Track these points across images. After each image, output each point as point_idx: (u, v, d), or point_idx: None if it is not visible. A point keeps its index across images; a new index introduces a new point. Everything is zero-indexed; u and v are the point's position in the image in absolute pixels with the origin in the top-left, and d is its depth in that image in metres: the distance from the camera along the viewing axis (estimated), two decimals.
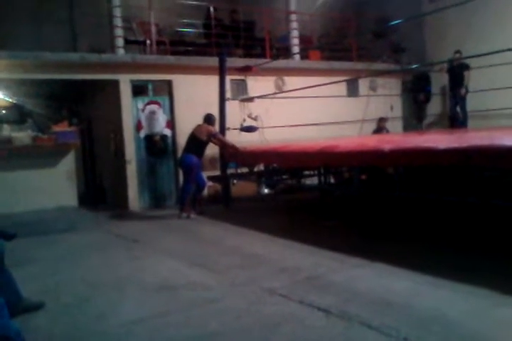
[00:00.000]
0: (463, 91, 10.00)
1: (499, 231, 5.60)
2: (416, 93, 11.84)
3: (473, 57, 7.49)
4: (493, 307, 3.45)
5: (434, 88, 11.68)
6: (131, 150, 8.87)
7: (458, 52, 9.70)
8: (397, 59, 11.76)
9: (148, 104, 9.05)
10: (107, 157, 9.52)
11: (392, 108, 11.38)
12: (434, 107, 11.91)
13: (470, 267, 4.37)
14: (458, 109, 10.27)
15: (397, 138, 8.06)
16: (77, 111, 10.38)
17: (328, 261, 4.88)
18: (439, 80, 11.19)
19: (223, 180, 8.51)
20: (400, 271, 4.37)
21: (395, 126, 11.39)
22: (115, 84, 8.75)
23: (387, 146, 5.20)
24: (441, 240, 5.46)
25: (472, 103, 10.06)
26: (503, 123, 9.41)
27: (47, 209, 8.15)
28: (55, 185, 8.41)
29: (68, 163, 8.70)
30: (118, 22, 8.82)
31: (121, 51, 8.81)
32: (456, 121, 10.35)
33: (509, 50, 4.93)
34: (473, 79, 9.89)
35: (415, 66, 10.88)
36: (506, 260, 4.54)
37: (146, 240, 6.37)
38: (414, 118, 12.08)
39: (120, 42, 8.84)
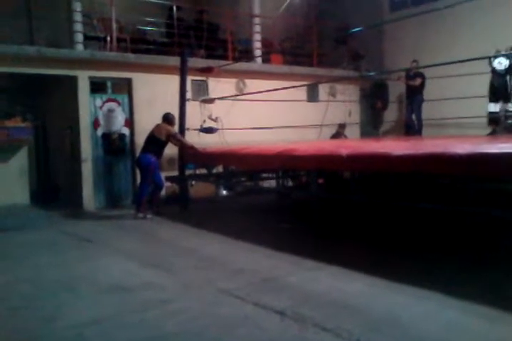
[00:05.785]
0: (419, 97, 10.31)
1: (453, 236, 5.79)
2: (373, 100, 12.09)
3: (429, 66, 7.75)
4: (443, 311, 3.55)
5: (391, 96, 11.96)
6: (87, 148, 8.67)
7: (415, 61, 9.99)
8: (357, 66, 11.99)
9: (106, 101, 8.88)
10: (62, 154, 9.27)
11: (350, 114, 11.57)
12: (391, 114, 12.18)
13: (423, 270, 4.49)
14: (413, 117, 10.55)
15: (355, 144, 8.20)
16: (32, 106, 10.07)
17: (284, 263, 4.91)
18: (397, 88, 11.47)
19: (181, 180, 8.44)
20: (355, 274, 4.45)
21: (353, 131, 11.61)
22: (73, 80, 8.54)
23: (344, 151, 5.28)
24: (395, 243, 5.58)
25: (427, 112, 10.35)
26: (455, 132, 9.73)
27: None
28: (6, 182, 8.16)
29: (21, 159, 8.45)
30: (78, 17, 8.62)
31: (80, 47, 8.61)
32: (411, 128, 10.63)
33: (462, 61, 5.13)
34: (429, 89, 10.19)
35: (374, 73, 11.12)
36: (458, 264, 4.70)
37: (100, 240, 6.24)
38: (371, 124, 12.33)
39: (79, 37, 8.63)
